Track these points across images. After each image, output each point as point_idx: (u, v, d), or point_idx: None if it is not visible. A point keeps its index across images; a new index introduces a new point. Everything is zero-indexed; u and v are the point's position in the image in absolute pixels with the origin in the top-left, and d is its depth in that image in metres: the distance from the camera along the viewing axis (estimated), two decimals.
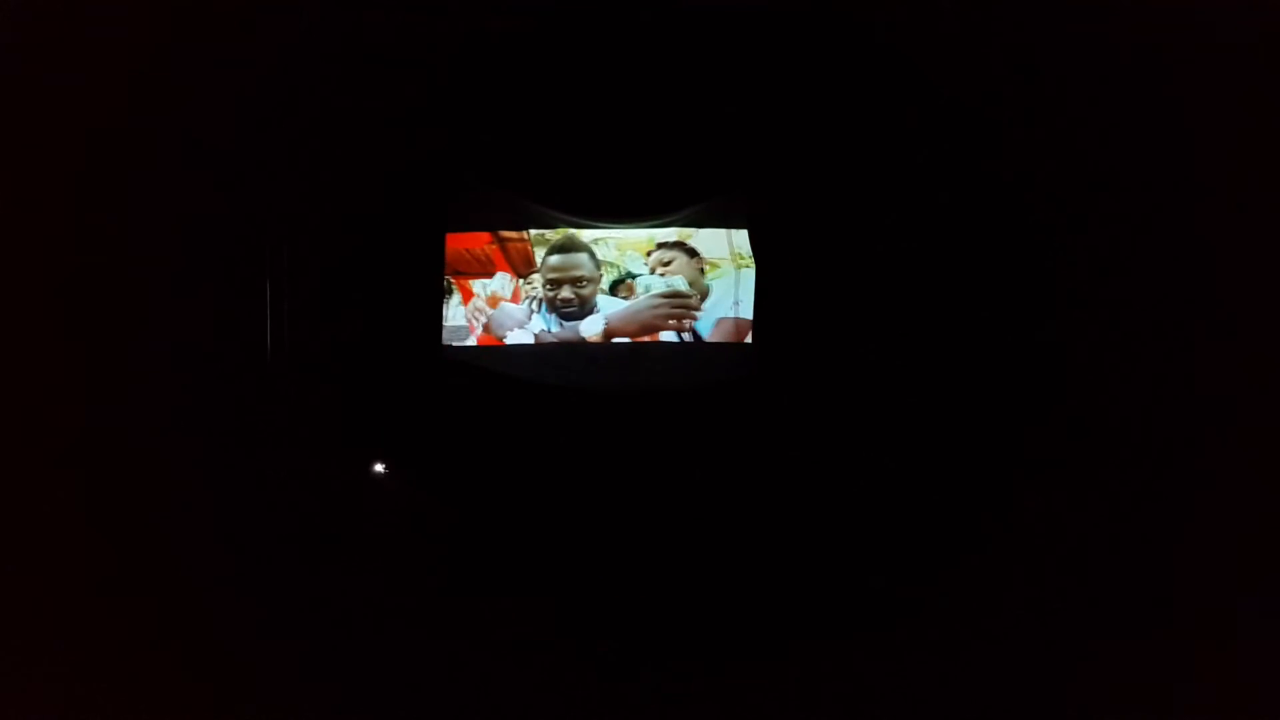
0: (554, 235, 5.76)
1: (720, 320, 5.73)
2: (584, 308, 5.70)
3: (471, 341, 5.77)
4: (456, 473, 5.63)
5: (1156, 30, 4.21)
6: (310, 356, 5.49)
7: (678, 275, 5.70)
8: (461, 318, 5.76)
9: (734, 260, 5.74)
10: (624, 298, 5.70)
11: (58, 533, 4.15)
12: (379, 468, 5.76)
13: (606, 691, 5.07)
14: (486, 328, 5.76)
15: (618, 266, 5.77)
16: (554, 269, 5.72)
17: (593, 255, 5.69)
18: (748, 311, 5.71)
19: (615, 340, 5.76)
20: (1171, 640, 3.84)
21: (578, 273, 5.68)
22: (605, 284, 5.73)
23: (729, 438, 5.64)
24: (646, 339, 5.73)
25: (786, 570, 5.22)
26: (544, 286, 5.73)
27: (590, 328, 5.69)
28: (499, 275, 5.75)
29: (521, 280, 5.79)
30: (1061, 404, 4.80)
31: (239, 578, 4.84)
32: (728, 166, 5.67)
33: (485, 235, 5.79)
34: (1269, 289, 4.00)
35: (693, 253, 5.73)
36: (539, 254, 5.76)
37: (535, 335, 5.74)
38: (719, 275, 5.77)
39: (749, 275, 5.70)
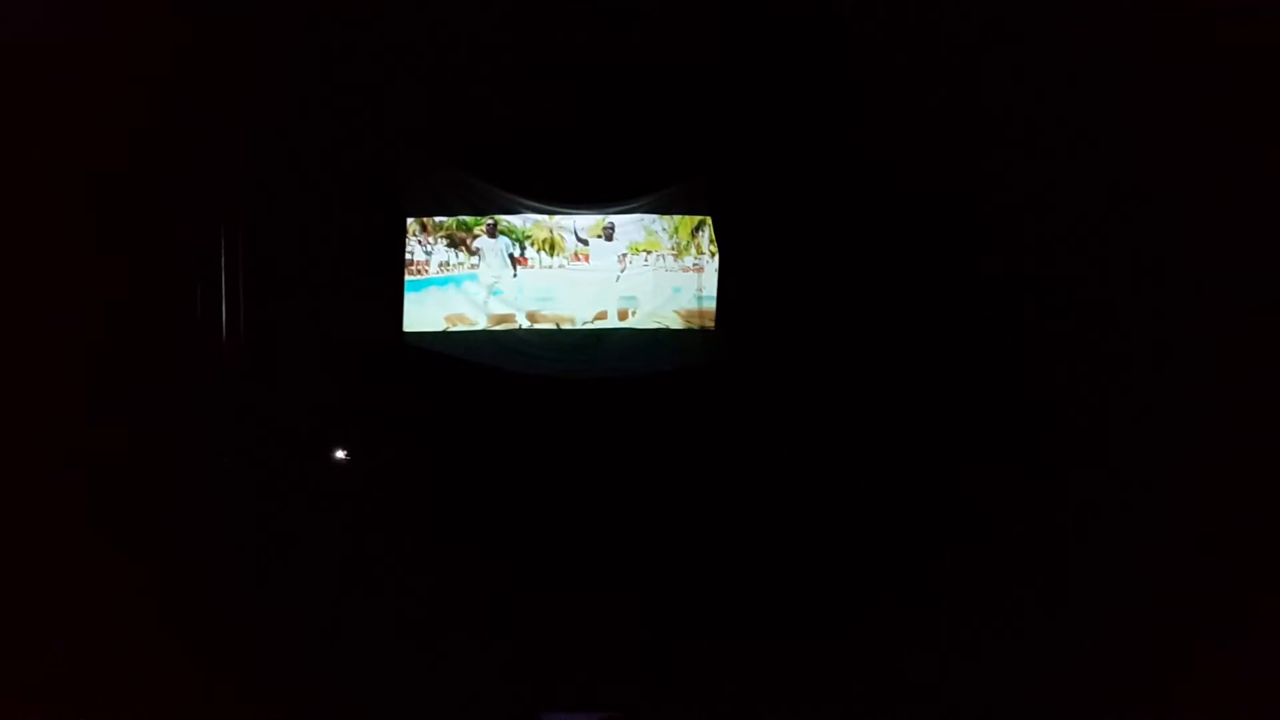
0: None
1: None
2: None
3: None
4: (418, 458, 5.52)
5: (1141, 29, 4.28)
6: (268, 342, 5.38)
7: None
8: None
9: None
10: None
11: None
12: (340, 454, 5.65)
13: (566, 669, 5.04)
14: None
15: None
16: None
17: None
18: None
19: (582, 327, 5.83)
20: (1170, 640, 3.90)
21: None
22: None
23: (693, 422, 5.66)
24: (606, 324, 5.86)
25: (764, 564, 5.26)
26: None
27: None
28: None
29: None
30: (1043, 402, 4.90)
31: (196, 559, 4.66)
32: (690, 155, 5.69)
33: None
34: (1261, 290, 4.09)
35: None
36: None
37: None
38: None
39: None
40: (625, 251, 5.79)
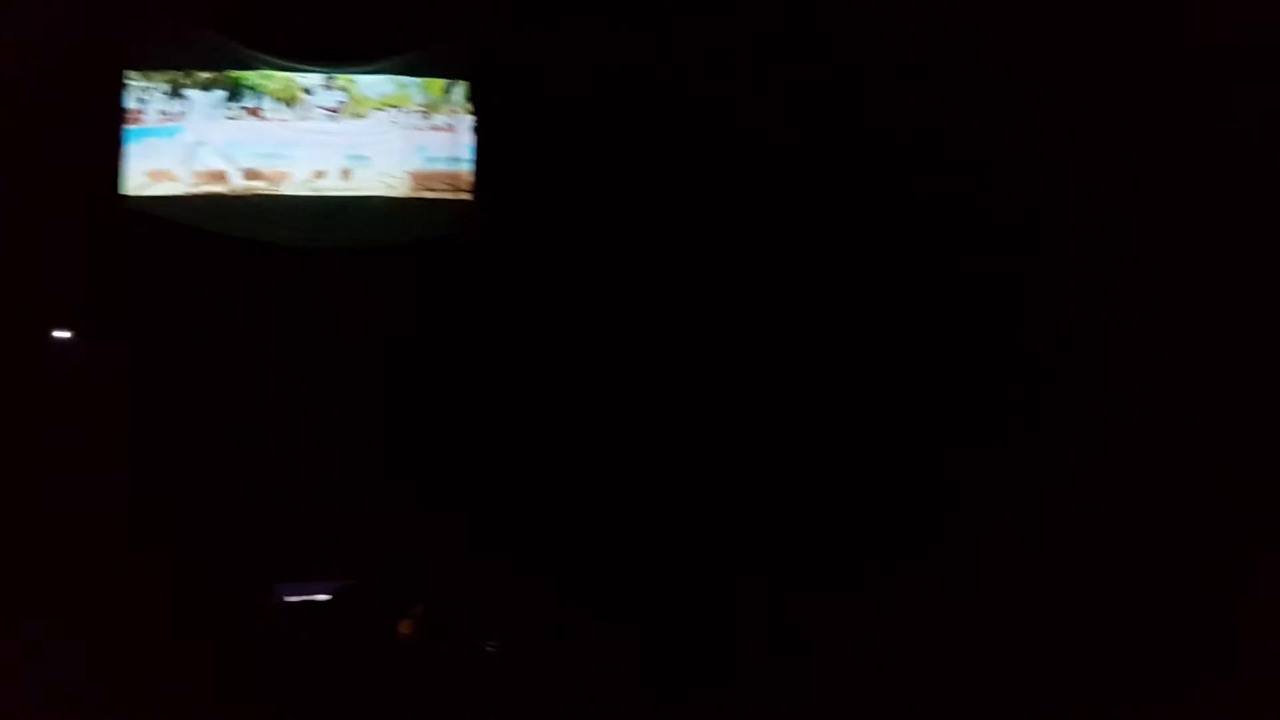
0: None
1: None
2: None
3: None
4: (142, 332, 5.15)
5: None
6: None
7: None
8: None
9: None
10: None
11: None
12: (63, 334, 5.27)
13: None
14: None
15: None
16: None
17: None
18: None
19: (305, 193, 5.36)
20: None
21: None
22: None
23: (444, 295, 5.38)
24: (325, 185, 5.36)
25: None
26: None
27: None
28: None
29: None
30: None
31: None
32: (443, 14, 5.36)
33: None
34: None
35: None
36: None
37: None
38: None
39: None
40: (360, 108, 5.36)
